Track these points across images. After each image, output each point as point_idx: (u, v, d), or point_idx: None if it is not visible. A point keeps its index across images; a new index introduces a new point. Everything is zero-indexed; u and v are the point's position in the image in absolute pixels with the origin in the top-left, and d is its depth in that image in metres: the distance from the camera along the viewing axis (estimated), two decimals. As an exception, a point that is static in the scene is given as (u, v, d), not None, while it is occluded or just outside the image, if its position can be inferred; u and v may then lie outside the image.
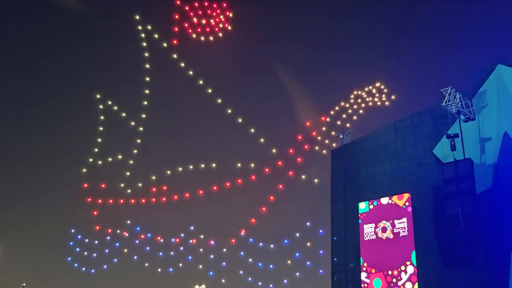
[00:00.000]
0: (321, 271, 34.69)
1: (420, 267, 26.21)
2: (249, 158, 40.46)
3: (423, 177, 27.47)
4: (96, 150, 43.75)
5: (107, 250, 42.86)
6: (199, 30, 42.56)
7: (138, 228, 42.81)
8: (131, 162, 43.35)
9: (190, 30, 42.54)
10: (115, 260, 42.73)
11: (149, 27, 43.60)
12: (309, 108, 42.19)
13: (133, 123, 43.87)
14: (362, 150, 31.81)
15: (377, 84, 40.05)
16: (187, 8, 42.91)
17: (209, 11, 43.10)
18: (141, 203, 42.06)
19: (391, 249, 27.90)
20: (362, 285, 28.44)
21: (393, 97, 39.26)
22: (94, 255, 42.91)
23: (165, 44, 43.18)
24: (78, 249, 43.05)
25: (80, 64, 49.68)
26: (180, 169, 42.50)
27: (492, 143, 25.07)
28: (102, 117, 44.28)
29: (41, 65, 50.71)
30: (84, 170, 43.49)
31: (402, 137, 29.46)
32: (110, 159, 43.64)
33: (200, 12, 42.97)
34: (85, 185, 43.13)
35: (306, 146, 37.30)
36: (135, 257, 42.35)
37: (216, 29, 42.94)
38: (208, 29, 42.80)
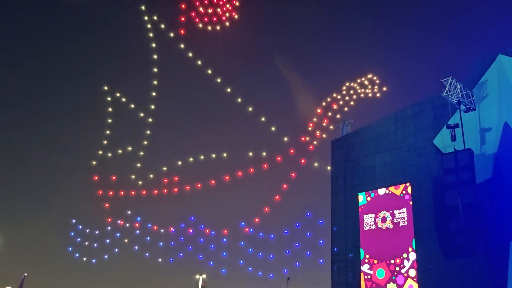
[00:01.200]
0: (321, 261, 34.90)
1: (420, 257, 26.34)
2: (261, 147, 40.35)
3: (423, 167, 27.48)
4: (105, 142, 43.67)
5: (108, 240, 43.04)
6: (206, 19, 42.23)
7: (138, 218, 42.98)
8: (141, 153, 43.29)
9: (197, 20, 42.21)
10: (116, 250, 42.94)
11: (155, 18, 43.31)
12: (309, 98, 42.02)
13: (142, 114, 43.75)
14: (363, 140, 31.78)
15: (369, 76, 39.99)
16: None
17: (215, 0, 42.81)
18: (153, 194, 41.90)
19: (391, 239, 28.02)
20: (365, 276, 28.55)
21: (384, 88, 39.17)
22: (95, 245, 43.11)
23: (172, 34, 42.89)
24: (79, 239, 43.24)
25: (86, 56, 49.58)
26: (191, 159, 42.36)
27: (493, 133, 25.03)
28: (110, 109, 44.16)
29: (48, 59, 50.58)
30: (94, 162, 43.49)
31: (403, 128, 29.42)
32: (120, 151, 43.55)
33: (206, 1, 42.61)
34: (96, 178, 43.06)
35: (317, 134, 36.82)
36: (136, 247, 42.56)
37: (223, 18, 42.59)
38: (215, 19, 42.42)
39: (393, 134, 29.89)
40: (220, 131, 45.35)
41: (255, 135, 42.07)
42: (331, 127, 36.31)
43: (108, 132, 43.86)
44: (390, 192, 29.09)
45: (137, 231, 42.85)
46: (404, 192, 28.33)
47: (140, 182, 42.46)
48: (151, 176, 42.45)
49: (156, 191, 41.80)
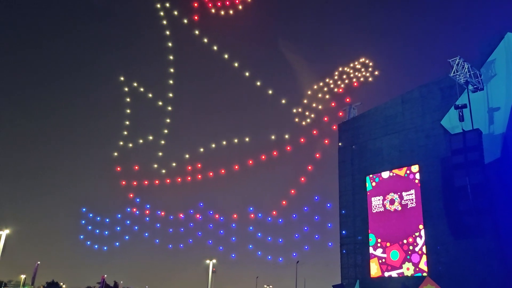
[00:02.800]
0: (330, 244, 34.97)
1: (429, 237, 26.39)
2: (282, 130, 40.09)
3: (431, 148, 27.40)
4: (125, 133, 43.82)
5: (118, 228, 43.48)
6: (219, 4, 41.76)
7: (148, 206, 43.31)
8: (163, 142, 43.31)
9: (210, 5, 41.69)
10: (127, 237, 43.39)
11: (168, 5, 42.95)
12: (313, 80, 41.52)
13: (160, 103, 43.70)
14: (370, 123, 31.69)
15: (362, 60, 39.64)
16: None
17: None
18: (172, 183, 41.90)
19: (400, 220, 28.09)
20: (380, 261, 28.60)
21: (376, 72, 38.86)
22: (106, 232, 43.59)
23: (185, 21, 42.52)
24: (90, 227, 43.72)
25: (99, 48, 49.66)
26: (213, 145, 42.19)
27: (501, 113, 24.80)
28: (128, 99, 44.18)
29: (63, 54, 50.76)
30: (115, 153, 43.61)
31: (410, 109, 29.26)
32: (141, 141, 43.63)
33: None
34: (118, 169, 43.19)
35: (340, 113, 36.17)
36: (146, 234, 42.97)
37: (237, 1, 42.13)
38: (228, 3, 41.93)
39: (400, 116, 29.75)
40: (240, 115, 45.14)
41: (275, 118, 41.56)
42: (341, 113, 35.70)
43: (127, 122, 43.90)
44: (394, 175, 29.11)
45: (147, 218, 43.20)
46: (408, 172, 28.34)
47: (163, 171, 42.48)
48: (174, 164, 42.47)
49: (179, 179, 41.73)
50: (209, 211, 41.62)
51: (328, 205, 36.12)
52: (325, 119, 37.15)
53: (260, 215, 39.65)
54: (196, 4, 41.85)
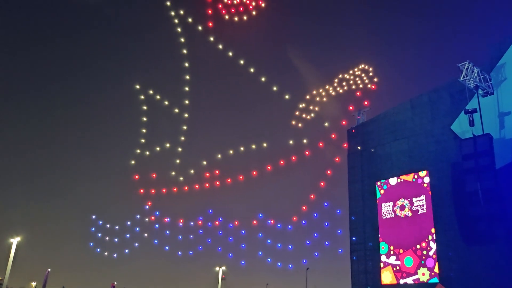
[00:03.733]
0: (340, 250, 34.74)
1: (440, 243, 26.12)
2: (301, 135, 39.84)
3: (441, 153, 27.17)
4: (142, 140, 43.82)
5: (128, 235, 43.56)
6: (233, 10, 42.01)
7: (157, 213, 43.37)
8: (180, 149, 43.27)
9: (223, 12, 42.00)
10: (136, 244, 43.45)
11: (182, 12, 43.25)
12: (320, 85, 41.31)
13: (177, 110, 43.76)
14: (379, 128, 31.54)
15: (361, 66, 39.51)
16: None
17: None
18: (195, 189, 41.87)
19: (411, 227, 27.83)
20: (394, 268, 28.27)
21: (375, 79, 38.69)
22: (116, 240, 43.68)
23: (200, 28, 42.79)
24: (99, 235, 43.86)
25: (114, 57, 49.95)
26: (231, 151, 42.10)
27: (512, 117, 24.60)
28: (144, 107, 44.27)
29: (77, 63, 51.17)
30: (133, 162, 43.61)
31: (420, 114, 29.09)
32: (158, 148, 43.61)
33: None
34: (136, 177, 43.15)
35: (366, 102, 35.78)
36: (156, 241, 42.99)
37: (250, 7, 42.26)
38: (241, 8, 42.16)
39: (410, 121, 29.59)
40: (257, 121, 44.95)
41: (290, 125, 41.28)
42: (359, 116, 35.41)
43: (144, 130, 43.97)
44: (402, 180, 28.94)
45: (156, 225, 43.26)
46: (416, 177, 28.16)
47: (181, 178, 42.48)
48: (192, 171, 42.38)
49: (197, 186, 41.65)
50: (218, 218, 41.58)
51: (338, 211, 35.97)
52: (343, 122, 36.70)
53: (269, 221, 39.55)
54: (210, 11, 42.12)
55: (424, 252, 26.93)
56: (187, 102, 43.65)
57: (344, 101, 37.63)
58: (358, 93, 35.86)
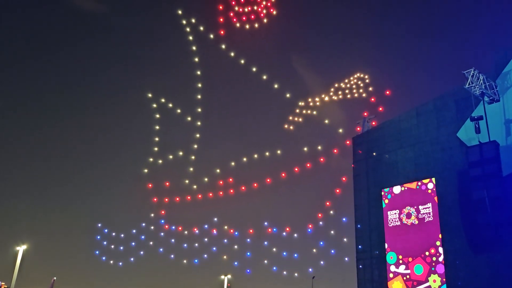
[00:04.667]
0: (346, 258, 34.53)
1: (447, 252, 25.93)
2: (315, 141, 39.55)
3: (447, 161, 27.08)
4: (155, 149, 43.64)
5: (133, 243, 43.52)
6: (244, 18, 42.14)
7: (162, 221, 43.34)
8: (193, 157, 43.03)
9: (234, 20, 42.14)
10: (142, 252, 43.39)
11: (193, 20, 43.41)
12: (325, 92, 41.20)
13: (189, 118, 43.61)
14: (384, 136, 31.49)
15: (357, 75, 39.48)
16: None
17: None
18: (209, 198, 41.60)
19: (417, 234, 27.64)
20: (404, 277, 27.94)
21: (370, 88, 38.62)
22: (121, 248, 43.64)
23: (212, 36, 42.90)
24: (105, 243, 43.84)
25: (127, 66, 50.21)
26: (245, 159, 41.75)
27: (518, 124, 24.52)
28: (157, 116, 44.17)
29: (91, 73, 51.50)
30: (146, 170, 43.36)
31: (425, 122, 29.05)
32: (170, 157, 43.38)
33: (242, 0, 42.58)
34: (150, 185, 42.84)
35: (380, 108, 35.59)
36: (161, 249, 42.92)
37: (262, 15, 42.28)
38: (253, 16, 42.20)
39: (415, 128, 29.53)
40: (270, 128, 44.84)
41: (308, 132, 41.20)
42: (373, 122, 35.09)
43: (157, 139, 43.93)
44: (406, 188, 28.85)
45: (162, 233, 43.21)
46: (420, 184, 28.07)
47: (195, 186, 42.23)
48: (206, 179, 42.15)
49: (211, 194, 41.41)
50: (223, 226, 41.48)
51: (344, 219, 35.80)
52: (358, 128, 36.28)
53: (275, 229, 39.40)
54: (221, 19, 42.24)
55: (434, 259, 26.67)
56: (199, 110, 43.54)
57: (357, 107, 37.43)
58: (372, 99, 35.50)
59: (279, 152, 40.82)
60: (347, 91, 39.44)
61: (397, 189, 29.48)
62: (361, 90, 38.67)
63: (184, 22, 43.27)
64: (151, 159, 43.36)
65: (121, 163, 48.21)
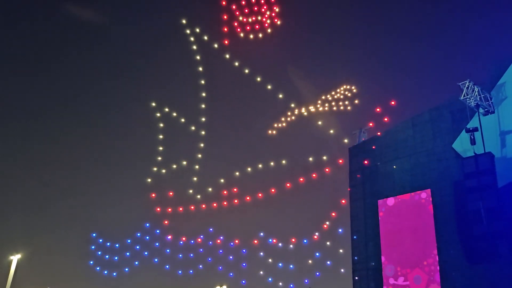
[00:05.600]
0: (342, 270, 34.41)
1: (443, 263, 25.88)
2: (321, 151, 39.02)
3: (443, 172, 27.17)
4: (159, 158, 43.42)
5: (128, 253, 43.27)
6: (248, 28, 42.33)
7: (157, 231, 43.16)
8: (197, 167, 42.82)
9: (238, 30, 42.30)
10: (136, 263, 43.12)
11: (198, 30, 43.57)
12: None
13: (193, 128, 43.53)
14: (380, 146, 31.60)
15: (344, 87, 39.67)
16: (234, 7, 42.92)
17: (256, 8, 42.85)
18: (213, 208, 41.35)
19: (414, 245, 27.57)
20: None
21: (356, 101, 38.81)
22: (116, 258, 43.37)
23: (216, 45, 43.04)
24: (99, 253, 43.58)
25: (131, 75, 50.17)
26: (249, 169, 41.54)
27: (513, 136, 24.65)
28: (161, 125, 44.07)
29: (94, 81, 51.41)
30: (149, 180, 43.09)
31: (421, 133, 29.18)
32: (174, 166, 43.17)
33: (246, 10, 42.84)
34: (153, 195, 42.62)
35: (386, 119, 34.89)
36: (156, 260, 42.68)
37: (266, 25, 42.47)
38: (257, 26, 42.45)
39: (411, 139, 29.65)
40: (275, 138, 44.70)
41: (313, 142, 41.05)
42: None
43: (161, 148, 43.73)
44: (400, 200, 28.93)
45: (157, 244, 43.00)
46: (416, 196, 28.22)
47: (199, 196, 41.92)
48: (210, 189, 41.84)
49: (215, 204, 41.19)
50: (219, 237, 41.32)
51: (340, 230, 35.74)
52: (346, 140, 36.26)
53: (270, 240, 39.29)
54: (226, 29, 42.37)
55: (432, 268, 26.55)
56: (203, 119, 43.45)
57: (363, 118, 37.29)
58: (378, 109, 35.32)
59: (283, 162, 40.70)
60: (340, 102, 39.53)
61: (393, 200, 29.53)
62: (348, 101, 38.76)
63: (188, 31, 43.40)
64: (154, 169, 43.17)
65: (121, 172, 47.96)
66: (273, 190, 39.84)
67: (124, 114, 50.08)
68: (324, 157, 38.45)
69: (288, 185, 39.37)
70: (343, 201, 34.51)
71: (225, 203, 41.02)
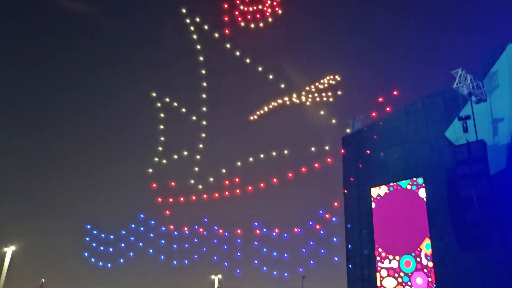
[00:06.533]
0: (336, 258, 34.64)
1: (436, 250, 26.18)
2: (323, 141, 38.37)
3: (436, 160, 27.35)
4: (160, 148, 43.14)
5: (123, 245, 43.29)
6: (249, 17, 41.76)
7: (152, 222, 43.18)
8: (198, 157, 42.48)
9: (239, 19, 41.70)
10: (131, 254, 43.17)
11: (198, 19, 43.02)
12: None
13: (194, 118, 43.22)
14: (373, 135, 31.70)
15: (329, 77, 39.48)
16: None
17: None
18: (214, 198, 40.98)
19: (406, 232, 27.88)
20: (394, 274, 28.09)
21: (339, 92, 38.78)
22: (110, 249, 43.39)
23: (216, 35, 42.45)
24: (94, 244, 43.56)
25: (131, 64, 49.69)
26: (251, 159, 41.05)
27: (505, 123, 24.84)
28: (162, 115, 43.74)
29: (93, 71, 50.96)
30: (150, 170, 42.79)
31: (414, 121, 29.31)
32: (175, 156, 42.90)
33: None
34: (154, 185, 42.40)
35: (388, 108, 34.38)
36: (151, 250, 42.75)
37: (267, 14, 41.89)
38: (258, 15, 41.82)
39: (404, 127, 29.78)
40: (277, 128, 44.46)
41: (317, 131, 40.81)
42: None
43: (162, 138, 43.44)
44: (394, 188, 29.21)
45: (151, 235, 43.04)
46: (410, 184, 28.45)
47: (200, 186, 41.66)
48: (211, 179, 41.61)
49: (217, 195, 40.89)
50: (214, 227, 41.41)
51: (334, 219, 35.89)
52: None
53: (265, 230, 39.42)
54: (226, 18, 41.90)
55: (423, 256, 26.91)
56: (204, 109, 43.18)
57: (356, 107, 37.14)
58: (380, 99, 35.15)
59: (286, 152, 40.41)
60: (329, 92, 39.38)
61: (386, 188, 29.74)
62: (340, 91, 38.64)
63: (188, 21, 42.92)
64: (156, 159, 43.00)
65: (119, 163, 47.82)
66: (275, 180, 39.56)
67: (124, 104, 49.84)
68: (325, 147, 38.10)
69: (290, 174, 39.17)
70: (345, 191, 34.47)
71: (227, 193, 40.78)
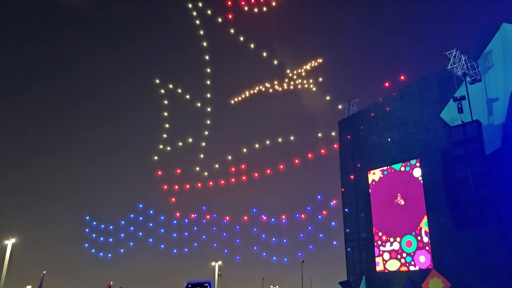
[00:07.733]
0: (334, 242, 34.90)
1: (432, 230, 26.44)
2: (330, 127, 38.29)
3: (431, 141, 27.47)
4: (164, 136, 43.13)
5: (122, 235, 43.44)
6: (252, 1, 41.24)
7: (151, 212, 43.31)
8: (203, 144, 42.53)
9: (242, 3, 41.25)
10: (131, 243, 43.36)
11: (200, 4, 42.51)
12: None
13: (199, 104, 43.02)
14: (369, 119, 31.77)
15: (311, 63, 39.42)
16: None
17: None
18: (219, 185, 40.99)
19: (404, 214, 28.12)
20: (396, 255, 28.49)
21: (320, 79, 38.75)
22: (110, 240, 43.57)
23: (220, 20, 41.87)
24: (94, 235, 43.71)
25: (133, 51, 49.16)
26: (257, 145, 41.13)
27: (500, 103, 24.86)
28: (165, 102, 43.55)
29: (96, 60, 50.49)
30: (156, 157, 42.82)
31: (409, 104, 29.36)
32: (180, 144, 42.89)
33: None
34: (159, 173, 42.51)
35: (393, 94, 33.74)
36: (151, 240, 42.95)
37: None
38: (262, 0, 41.33)
39: (399, 110, 29.83)
40: (280, 114, 44.25)
41: (326, 116, 40.73)
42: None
43: (167, 125, 43.27)
44: (392, 170, 29.34)
45: (151, 224, 43.18)
46: (406, 165, 28.61)
47: (206, 173, 41.71)
48: (217, 166, 41.63)
49: (223, 182, 40.93)
50: (212, 215, 41.57)
51: (332, 203, 36.07)
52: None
53: (263, 216, 39.61)
54: (229, 3, 41.29)
55: (420, 238, 27.22)
56: (209, 95, 42.89)
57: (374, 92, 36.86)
58: (386, 84, 34.92)
59: (292, 138, 40.49)
60: (320, 78, 39.25)
61: (380, 173, 29.90)
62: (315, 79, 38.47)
63: (190, 6, 42.42)
64: (161, 146, 42.86)
65: (117, 152, 47.72)
66: (281, 166, 39.55)
67: (127, 91, 49.48)
68: (319, 134, 38.34)
69: (296, 161, 39.12)
70: (351, 178, 34.51)
71: (233, 180, 40.90)
